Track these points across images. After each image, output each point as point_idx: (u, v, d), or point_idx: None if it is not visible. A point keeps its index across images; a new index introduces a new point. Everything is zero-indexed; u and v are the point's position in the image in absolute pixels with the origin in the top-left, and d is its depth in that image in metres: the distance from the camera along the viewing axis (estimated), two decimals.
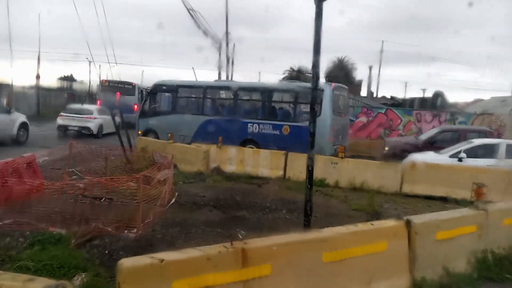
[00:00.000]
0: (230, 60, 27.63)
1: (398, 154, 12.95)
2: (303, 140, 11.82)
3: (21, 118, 15.19)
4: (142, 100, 17.38)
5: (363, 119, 21.39)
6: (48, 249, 4.78)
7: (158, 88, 15.41)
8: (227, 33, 23.08)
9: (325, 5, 4.34)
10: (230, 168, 11.29)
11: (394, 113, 21.33)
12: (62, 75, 47.73)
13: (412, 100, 28.51)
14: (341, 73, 48.90)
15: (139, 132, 15.17)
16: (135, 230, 5.52)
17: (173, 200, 8.08)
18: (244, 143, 12.86)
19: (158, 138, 14.28)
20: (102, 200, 6.67)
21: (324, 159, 10.55)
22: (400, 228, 4.38)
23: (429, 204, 8.90)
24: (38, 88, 28.93)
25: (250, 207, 7.95)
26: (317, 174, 10.27)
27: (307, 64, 52.36)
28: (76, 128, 18.26)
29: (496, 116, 20.73)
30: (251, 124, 13.10)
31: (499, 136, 19.16)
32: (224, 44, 25.36)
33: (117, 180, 5.96)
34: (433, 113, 21.18)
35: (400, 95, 43.41)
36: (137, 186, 5.68)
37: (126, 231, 5.70)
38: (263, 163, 11.05)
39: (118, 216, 5.85)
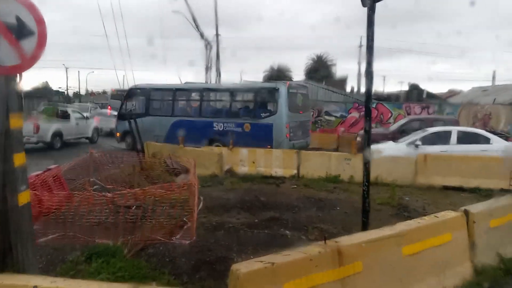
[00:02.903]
0: (214, 61, 27.61)
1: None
2: (263, 136, 12.91)
3: (94, 123, 19.61)
4: None
5: (355, 114, 21.78)
6: (111, 261, 4.74)
7: (133, 92, 16.56)
8: (217, 34, 23.01)
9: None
10: (242, 169, 11.34)
11: (385, 107, 21.83)
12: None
13: (397, 94, 29.21)
14: (321, 69, 49.59)
15: (118, 134, 16.63)
16: (188, 236, 5.51)
17: (201, 204, 8.09)
18: (210, 141, 13.86)
19: (135, 140, 14.69)
20: (133, 208, 6.62)
21: (337, 156, 10.75)
22: (460, 218, 4.57)
23: (446, 194, 9.23)
24: None
25: (277, 207, 8.02)
26: (331, 171, 10.54)
27: (287, 63, 52.48)
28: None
29: (482, 106, 21.51)
30: (216, 123, 14.13)
31: (485, 125, 19.99)
32: (206, 45, 25.30)
33: (167, 189, 5.91)
34: (422, 106, 21.79)
35: (379, 89, 44.42)
36: (190, 193, 5.66)
37: (174, 238, 5.71)
38: (275, 162, 11.15)
39: (164, 224, 5.82)
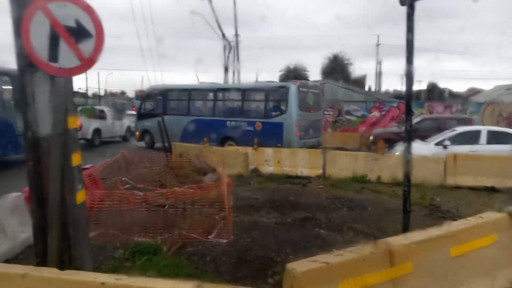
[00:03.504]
0: (231, 61, 27.66)
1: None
2: (273, 135, 13.18)
3: (127, 123, 20.91)
4: None
5: (376, 113, 21.57)
6: (154, 259, 4.81)
7: (151, 92, 17.38)
8: (236, 34, 23.08)
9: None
10: (267, 169, 11.35)
11: None
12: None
13: (418, 93, 28.81)
14: (338, 69, 49.25)
15: (137, 133, 17.60)
16: (225, 235, 5.54)
17: (231, 204, 8.12)
18: (223, 140, 14.37)
19: (153, 138, 16.63)
20: (166, 207, 6.69)
21: (364, 156, 10.67)
22: (505, 219, 4.48)
23: (476, 195, 9.06)
24: None
25: (306, 207, 7.99)
26: (358, 171, 10.45)
27: (303, 62, 52.21)
28: None
29: (507, 104, 21.06)
30: (229, 122, 14.64)
31: (510, 124, 19.58)
32: (226, 45, 25.38)
33: (204, 188, 5.96)
34: (444, 105, 21.44)
35: (397, 88, 43.87)
36: (227, 192, 5.70)
37: (210, 237, 5.75)
38: (301, 162, 11.12)
39: (200, 223, 5.87)
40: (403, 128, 15.37)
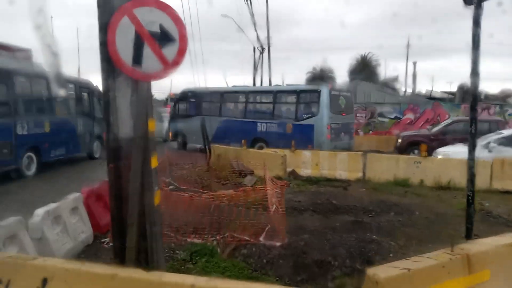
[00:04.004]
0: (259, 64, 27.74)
1: (411, 145, 14.24)
2: (304, 137, 13.10)
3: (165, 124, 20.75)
4: None
5: (410, 115, 21.15)
6: (212, 261, 4.85)
7: (184, 95, 17.81)
8: (268, 36, 23.15)
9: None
10: (305, 171, 11.29)
11: (442, 108, 21.04)
12: None
13: (453, 94, 28.06)
14: (365, 70, 48.55)
15: (170, 134, 18.07)
16: (279, 238, 5.53)
17: (274, 207, 8.11)
18: (254, 141, 14.50)
19: (185, 139, 17.16)
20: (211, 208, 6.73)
21: (406, 159, 10.48)
22: None
23: None
24: None
25: (351, 211, 7.89)
26: (400, 174, 10.26)
27: (330, 64, 51.68)
28: None
29: None
30: (260, 124, 14.81)
31: None
32: (258, 48, 25.50)
33: (258, 190, 5.98)
34: (482, 107, 20.79)
35: (429, 88, 42.79)
36: (281, 194, 5.70)
37: (261, 239, 5.75)
38: (340, 165, 11.01)
39: (249, 225, 5.88)
40: (433, 130, 15.21)
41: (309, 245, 5.54)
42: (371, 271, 3.03)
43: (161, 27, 2.95)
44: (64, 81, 11.64)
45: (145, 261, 3.31)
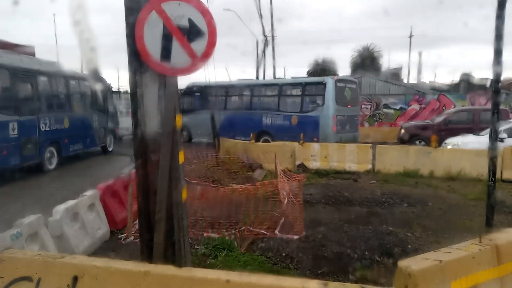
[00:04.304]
0: (267, 56, 27.54)
1: (414, 136, 14.59)
2: (309, 129, 13.13)
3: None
4: None
5: (415, 106, 21.08)
6: (231, 255, 4.85)
7: (189, 89, 17.64)
8: (272, 28, 22.99)
9: None
10: (314, 164, 11.28)
11: (447, 98, 20.96)
12: None
13: (457, 84, 27.95)
14: (367, 61, 48.25)
15: None
16: (297, 232, 5.53)
17: (286, 200, 8.11)
18: (259, 134, 14.49)
19: (190, 134, 17.26)
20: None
21: (416, 149, 10.46)
22: None
23: None
24: None
25: (363, 203, 7.90)
26: (409, 165, 10.24)
27: (332, 56, 51.20)
28: None
29: None
30: (265, 117, 14.89)
31: None
32: (263, 41, 25.33)
33: (275, 184, 5.96)
34: (487, 96, 20.72)
35: (429, 79, 42.63)
36: (299, 187, 5.69)
37: (277, 232, 5.75)
38: (349, 157, 10.99)
39: (264, 219, 5.88)
40: (436, 120, 15.23)
41: (327, 237, 5.55)
42: (403, 263, 3.02)
43: (189, 21, 2.91)
44: (96, 77, 12.77)
45: (171, 257, 3.30)
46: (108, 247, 5.34)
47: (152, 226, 3.24)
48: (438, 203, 7.68)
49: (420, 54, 41.58)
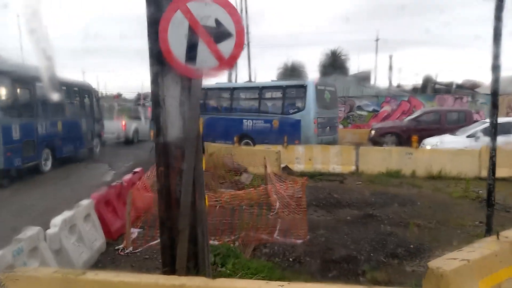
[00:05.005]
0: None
1: (383, 136, 14.93)
2: (291, 132, 13.19)
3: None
4: None
5: (387, 108, 21.64)
6: (239, 263, 4.72)
7: None
8: (247, 33, 22.95)
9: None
10: (298, 167, 11.31)
11: (417, 100, 21.65)
12: None
13: (425, 86, 28.95)
14: (335, 64, 49.23)
15: (151, 134, 17.17)
16: (301, 236, 5.48)
17: (278, 203, 8.06)
18: (241, 138, 14.29)
19: None
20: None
21: (398, 150, 10.68)
22: None
23: None
24: None
25: (353, 204, 7.96)
26: (392, 165, 10.44)
27: (301, 59, 51.71)
28: None
29: None
30: (246, 120, 14.72)
31: None
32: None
33: (278, 188, 5.88)
34: (455, 97, 21.58)
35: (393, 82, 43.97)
36: (302, 192, 5.64)
37: (278, 236, 5.68)
38: (333, 159, 11.09)
39: (260, 223, 5.81)
40: (404, 121, 15.74)
41: (330, 240, 5.54)
42: (433, 264, 3.01)
43: (217, 21, 2.80)
44: (59, 83, 12.79)
45: (194, 268, 3.17)
46: (107, 259, 5.08)
47: (173, 236, 3.10)
48: (426, 202, 7.86)
49: (391, 57, 42.72)
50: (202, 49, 2.83)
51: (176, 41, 2.79)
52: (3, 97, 10.09)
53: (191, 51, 2.82)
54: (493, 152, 5.01)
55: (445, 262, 3.05)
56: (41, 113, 11.54)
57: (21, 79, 10.75)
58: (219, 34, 2.82)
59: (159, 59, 2.90)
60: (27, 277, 2.76)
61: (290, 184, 6.14)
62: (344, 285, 2.88)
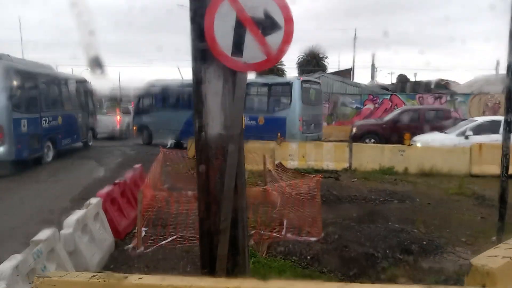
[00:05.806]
0: None
1: (365, 134, 15.18)
2: (276, 130, 13.18)
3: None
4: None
5: (370, 106, 21.94)
6: (258, 261, 4.64)
7: (148, 88, 17.20)
8: None
9: None
10: (292, 164, 11.26)
11: (399, 98, 22.05)
12: None
13: (403, 84, 29.52)
14: (313, 62, 49.61)
15: (134, 128, 17.80)
16: (315, 234, 5.43)
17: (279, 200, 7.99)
18: None
19: (151, 134, 16.81)
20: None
21: (391, 148, 10.80)
22: None
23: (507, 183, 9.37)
24: None
25: (352, 200, 8.02)
26: (385, 162, 10.56)
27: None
28: None
29: (491, 95, 21.96)
30: None
31: (495, 113, 20.50)
32: None
33: (293, 185, 5.80)
34: (434, 96, 22.09)
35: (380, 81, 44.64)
36: (317, 189, 5.58)
37: (284, 234, 5.62)
38: (326, 156, 11.12)
39: (268, 221, 5.74)
40: (384, 119, 16.03)
41: (344, 238, 5.50)
42: (477, 262, 3.01)
43: (265, 13, 2.68)
44: (58, 78, 13.71)
45: (232, 269, 3.06)
46: (118, 259, 4.88)
47: (213, 236, 2.97)
48: (425, 199, 7.97)
49: (373, 56, 43.35)
50: (250, 42, 2.70)
51: (222, 33, 2.65)
52: (14, 94, 10.74)
53: (238, 43, 2.69)
54: (506, 150, 5.06)
55: (489, 260, 3.05)
56: (44, 107, 12.28)
57: (28, 76, 11.60)
58: (267, 26, 2.70)
59: (201, 51, 2.75)
60: (64, 282, 2.57)
61: (305, 183, 6.04)
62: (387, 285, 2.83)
